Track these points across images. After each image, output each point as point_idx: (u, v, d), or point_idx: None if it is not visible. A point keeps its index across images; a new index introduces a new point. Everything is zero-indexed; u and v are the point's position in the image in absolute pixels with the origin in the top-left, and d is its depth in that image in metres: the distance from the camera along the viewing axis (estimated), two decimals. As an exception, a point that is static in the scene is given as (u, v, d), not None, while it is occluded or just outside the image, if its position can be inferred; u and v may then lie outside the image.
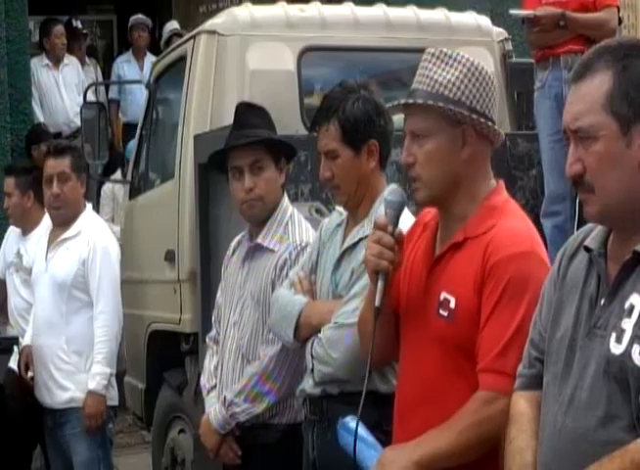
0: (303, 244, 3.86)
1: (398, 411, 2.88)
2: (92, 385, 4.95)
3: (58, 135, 9.26)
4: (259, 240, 3.93)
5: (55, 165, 5.20)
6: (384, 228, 2.75)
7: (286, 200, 4.03)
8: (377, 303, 2.74)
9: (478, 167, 2.82)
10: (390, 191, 2.87)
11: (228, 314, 4.02)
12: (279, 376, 3.79)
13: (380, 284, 2.74)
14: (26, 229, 6.01)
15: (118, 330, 5.14)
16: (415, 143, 2.78)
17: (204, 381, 4.13)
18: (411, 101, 2.77)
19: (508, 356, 2.58)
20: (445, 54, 2.80)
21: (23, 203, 5.98)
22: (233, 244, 4.16)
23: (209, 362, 4.13)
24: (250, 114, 4.02)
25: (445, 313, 2.72)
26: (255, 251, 3.96)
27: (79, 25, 10.68)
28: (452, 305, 2.71)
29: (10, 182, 6.07)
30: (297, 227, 3.94)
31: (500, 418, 2.52)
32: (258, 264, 3.93)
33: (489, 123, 2.78)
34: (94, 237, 5.11)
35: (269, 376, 3.79)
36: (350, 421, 2.89)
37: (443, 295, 2.73)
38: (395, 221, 2.78)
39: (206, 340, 4.26)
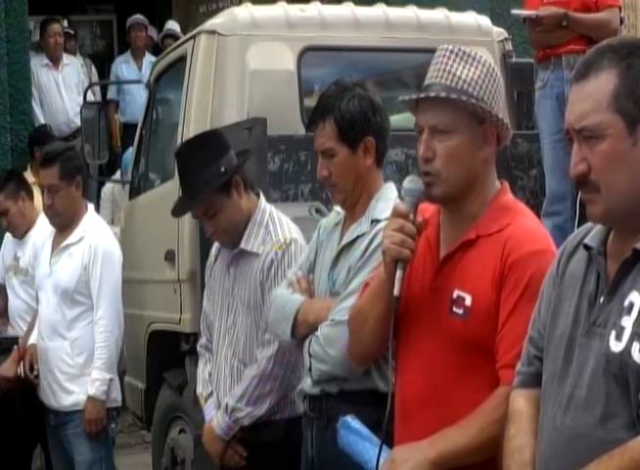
0: (288, 240, 3.87)
1: (403, 411, 2.84)
2: (91, 391, 4.96)
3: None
4: (242, 245, 3.94)
5: (44, 177, 5.17)
6: (405, 216, 2.72)
7: (262, 201, 4.03)
8: (396, 292, 2.70)
9: (490, 168, 2.83)
10: (410, 179, 2.82)
11: (219, 322, 4.04)
12: (278, 375, 3.80)
13: (399, 273, 2.70)
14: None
15: (119, 335, 5.13)
16: (435, 138, 2.73)
17: (199, 390, 4.13)
18: (443, 94, 2.71)
19: None
20: (464, 52, 2.78)
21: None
22: (214, 250, 4.16)
23: (203, 370, 4.13)
24: (188, 158, 4.00)
25: (460, 311, 2.70)
26: (240, 257, 3.96)
27: (66, 24, 10.68)
28: (468, 302, 2.69)
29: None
30: (278, 225, 3.94)
31: None
32: (244, 270, 3.94)
33: (509, 125, 2.80)
34: (96, 241, 5.09)
35: (269, 376, 3.80)
36: (351, 420, 2.89)
37: (457, 293, 2.71)
38: (415, 209, 2.75)
39: (197, 348, 4.26)
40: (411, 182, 2.79)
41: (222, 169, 3.90)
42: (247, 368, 3.89)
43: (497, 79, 2.80)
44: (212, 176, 3.89)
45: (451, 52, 2.78)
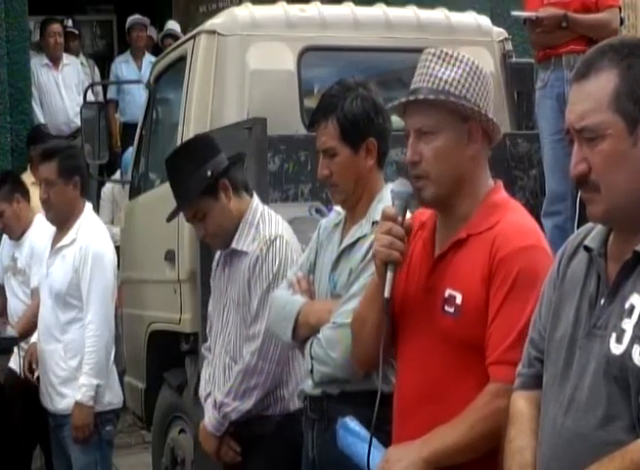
0: (273, 237, 3.90)
1: (400, 411, 2.87)
2: (78, 396, 4.89)
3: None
4: (234, 245, 3.98)
5: (42, 171, 5.15)
6: (393, 219, 2.76)
7: (255, 202, 4.05)
8: (387, 294, 2.73)
9: (480, 166, 2.84)
10: (398, 182, 2.86)
11: (217, 322, 4.10)
12: (263, 369, 3.84)
13: (389, 275, 2.73)
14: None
15: (109, 339, 5.01)
16: (421, 141, 2.76)
17: (201, 390, 4.18)
18: (421, 97, 2.75)
19: (519, 349, 2.56)
20: (447, 53, 2.80)
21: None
22: (217, 256, 4.19)
23: (205, 372, 4.18)
24: (176, 163, 4.07)
25: (451, 310, 2.72)
26: (232, 256, 4.01)
27: (70, 24, 10.68)
28: (458, 300, 2.71)
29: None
30: (267, 224, 3.97)
31: None
32: (236, 269, 3.99)
33: (494, 120, 2.80)
34: (87, 243, 5.00)
35: (253, 371, 3.85)
36: (350, 421, 2.89)
37: (448, 292, 2.73)
38: (404, 212, 2.79)
39: (202, 350, 4.31)
40: (400, 185, 2.84)
41: (208, 173, 3.95)
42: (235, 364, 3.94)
43: (482, 77, 2.81)
44: (198, 180, 3.95)
45: (433, 55, 2.81)
